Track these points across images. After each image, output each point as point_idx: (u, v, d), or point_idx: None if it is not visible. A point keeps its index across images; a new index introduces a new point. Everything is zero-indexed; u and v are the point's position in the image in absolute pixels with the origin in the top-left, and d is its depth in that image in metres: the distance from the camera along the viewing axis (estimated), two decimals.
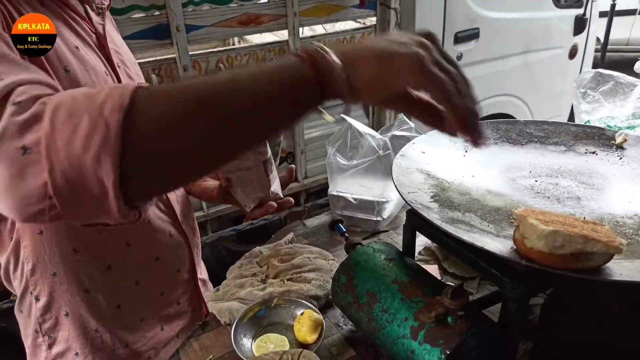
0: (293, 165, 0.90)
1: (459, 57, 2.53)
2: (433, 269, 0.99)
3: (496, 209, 0.75)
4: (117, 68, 0.81)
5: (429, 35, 0.53)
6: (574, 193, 0.80)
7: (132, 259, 0.84)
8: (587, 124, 1.31)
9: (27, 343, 0.88)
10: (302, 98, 0.50)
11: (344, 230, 0.90)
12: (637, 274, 0.57)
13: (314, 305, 0.86)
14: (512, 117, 2.91)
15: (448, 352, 0.62)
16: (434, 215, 0.70)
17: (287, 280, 0.90)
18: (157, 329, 0.92)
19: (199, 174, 0.53)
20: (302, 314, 0.83)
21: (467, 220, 0.71)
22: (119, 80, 0.81)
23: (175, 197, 0.93)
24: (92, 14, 0.80)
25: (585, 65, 3.13)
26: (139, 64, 0.96)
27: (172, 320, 0.94)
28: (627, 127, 1.23)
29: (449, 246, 0.73)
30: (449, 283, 0.92)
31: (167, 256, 0.90)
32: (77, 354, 0.85)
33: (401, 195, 0.74)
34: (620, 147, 0.92)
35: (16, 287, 0.84)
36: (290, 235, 1.08)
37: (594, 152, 0.92)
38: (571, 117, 3.21)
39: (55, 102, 0.44)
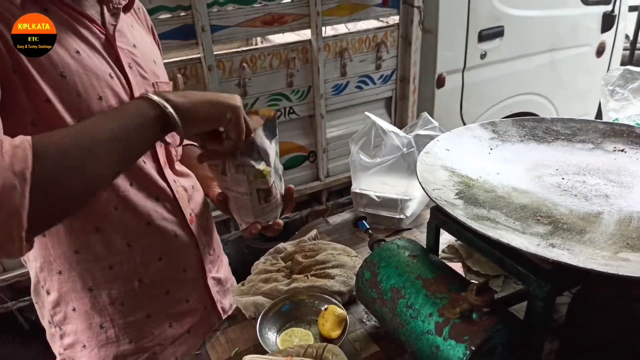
0: (292, 186, 0.89)
1: (483, 55, 2.51)
2: (456, 267, 0.98)
3: (522, 207, 0.74)
4: (127, 69, 0.82)
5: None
6: (602, 191, 0.79)
7: (134, 259, 0.86)
8: (616, 120, 1.29)
9: (46, 331, 0.93)
10: (152, 139, 0.68)
11: (368, 226, 0.91)
12: None
13: (337, 301, 0.87)
14: (537, 116, 2.87)
15: (473, 348, 0.62)
16: (459, 212, 0.70)
17: (311, 275, 0.91)
18: (165, 326, 0.93)
19: (87, 197, 0.62)
20: (326, 309, 0.84)
21: (493, 217, 0.71)
22: (128, 82, 0.82)
23: (186, 196, 0.93)
24: (107, 15, 0.81)
25: (613, 63, 3.06)
26: (165, 64, 0.98)
27: (182, 317, 0.95)
28: None
29: (474, 243, 0.73)
30: (473, 281, 0.92)
31: (172, 256, 0.91)
32: (84, 346, 0.89)
33: (425, 192, 0.74)
34: None
35: (31, 277, 0.89)
36: (313, 232, 1.09)
37: (622, 150, 0.90)
38: (598, 115, 3.15)
39: None
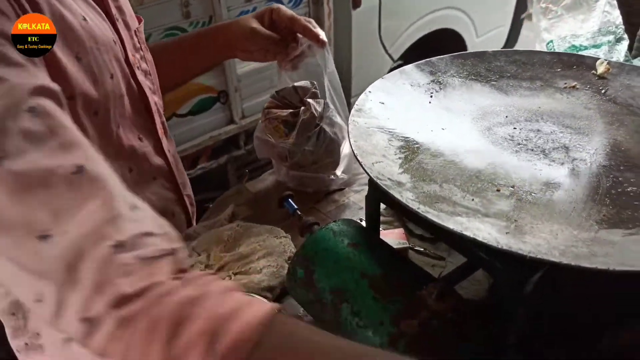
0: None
1: None
2: (398, 233, 0.87)
3: (477, 174, 0.62)
4: (116, 23, 0.72)
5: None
6: (559, 141, 0.69)
7: None
8: (550, 44, 1.19)
9: None
10: None
11: (295, 207, 0.75)
12: None
13: (267, 298, 0.73)
14: (456, 32, 2.77)
15: None
16: (408, 195, 0.56)
17: (235, 274, 0.75)
18: None
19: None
20: None
21: (448, 196, 0.58)
22: (122, 42, 0.72)
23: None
24: None
25: None
26: None
27: None
28: (594, 46, 1.12)
29: (428, 225, 0.61)
30: (418, 248, 0.82)
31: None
32: None
33: (365, 170, 0.59)
34: (602, 77, 0.80)
35: None
36: (229, 210, 0.91)
37: (574, 87, 0.80)
38: (513, 27, 3.11)
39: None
